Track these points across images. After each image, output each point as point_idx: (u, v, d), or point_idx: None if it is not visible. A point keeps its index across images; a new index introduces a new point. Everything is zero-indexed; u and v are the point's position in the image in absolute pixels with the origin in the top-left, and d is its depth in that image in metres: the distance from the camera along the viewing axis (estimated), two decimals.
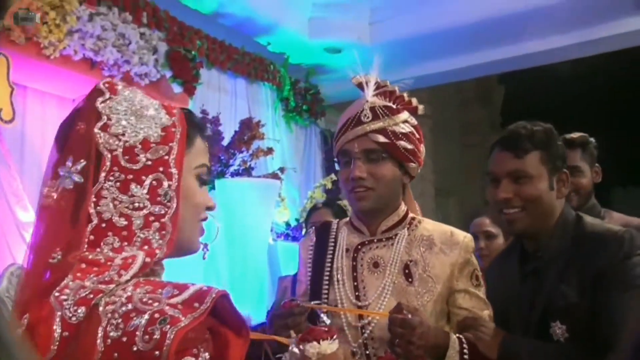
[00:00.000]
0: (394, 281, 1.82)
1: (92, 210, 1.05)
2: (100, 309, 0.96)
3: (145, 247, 1.06)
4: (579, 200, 2.65)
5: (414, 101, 1.93)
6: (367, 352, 1.79)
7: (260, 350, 1.64)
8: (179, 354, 0.91)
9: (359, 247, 1.91)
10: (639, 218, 2.66)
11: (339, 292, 1.86)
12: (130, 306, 0.95)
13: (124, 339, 0.92)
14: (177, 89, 4.12)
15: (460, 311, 1.84)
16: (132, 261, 1.02)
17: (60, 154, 1.10)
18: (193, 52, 4.33)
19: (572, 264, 1.84)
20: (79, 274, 1.01)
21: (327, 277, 1.90)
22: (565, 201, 1.98)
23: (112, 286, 0.99)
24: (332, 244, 1.96)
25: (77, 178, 1.07)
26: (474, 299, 1.85)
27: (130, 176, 1.07)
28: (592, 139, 2.82)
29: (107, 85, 1.13)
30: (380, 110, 1.83)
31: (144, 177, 1.08)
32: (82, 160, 1.07)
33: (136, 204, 1.07)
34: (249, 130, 4.36)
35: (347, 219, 2.04)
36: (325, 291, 1.87)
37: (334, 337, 1.48)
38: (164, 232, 1.07)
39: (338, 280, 1.87)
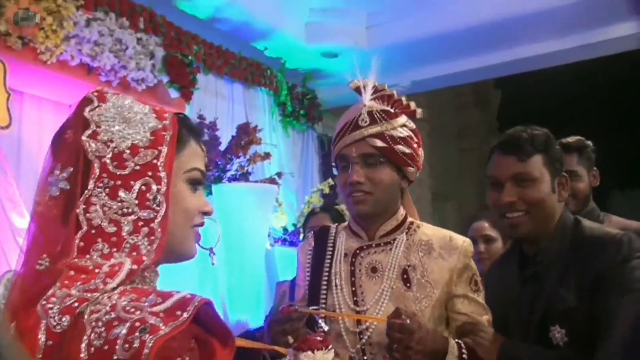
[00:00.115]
0: (392, 286, 1.82)
1: (81, 217, 1.05)
2: (85, 317, 0.96)
3: (134, 253, 1.05)
4: (577, 204, 2.65)
5: (412, 105, 1.93)
6: (365, 357, 1.78)
7: (257, 357, 1.63)
8: None
9: (357, 251, 1.90)
10: (637, 221, 2.66)
11: (337, 297, 1.85)
12: (113, 314, 0.95)
13: (106, 347, 0.92)
14: (174, 94, 4.12)
15: (459, 316, 1.83)
16: (118, 269, 1.02)
17: (51, 163, 1.11)
18: (190, 57, 4.33)
19: (571, 268, 1.84)
20: (66, 282, 1.01)
21: (325, 282, 1.89)
22: (564, 205, 1.98)
23: (97, 294, 0.98)
24: (331, 249, 1.95)
25: (63, 185, 1.07)
26: (472, 304, 1.84)
27: (119, 182, 1.07)
28: (589, 143, 2.82)
29: (96, 94, 1.14)
30: (378, 115, 1.82)
31: (132, 182, 1.07)
32: (69, 168, 1.08)
33: (125, 210, 1.06)
34: (246, 135, 4.35)
35: (346, 223, 2.03)
36: (324, 296, 1.87)
37: (329, 347, 1.47)
38: (152, 237, 1.07)
39: (336, 285, 1.87)
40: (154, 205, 1.08)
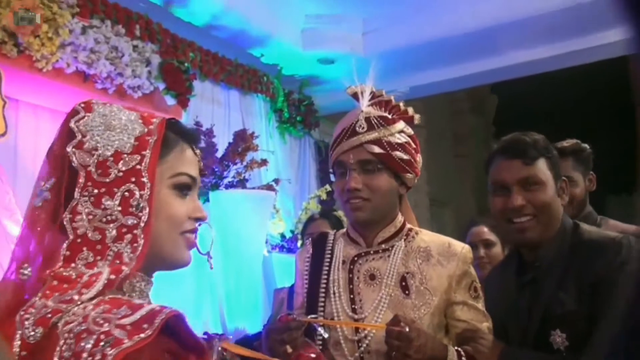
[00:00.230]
0: (390, 294, 1.80)
1: (68, 226, 1.06)
2: (59, 328, 0.96)
3: (117, 261, 1.04)
4: (573, 210, 2.63)
5: (410, 110, 1.92)
6: None
7: None
8: None
9: (355, 258, 1.89)
10: (634, 225, 2.65)
11: (335, 305, 1.83)
12: (84, 326, 0.94)
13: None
14: (170, 101, 4.11)
15: (458, 323, 1.82)
16: (95, 279, 1.01)
17: (39, 175, 1.13)
18: (186, 64, 4.32)
19: (570, 272, 1.83)
20: (47, 292, 1.01)
21: (323, 290, 1.88)
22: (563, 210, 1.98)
23: (71, 305, 0.98)
24: (329, 256, 1.94)
25: (45, 196, 1.09)
26: (472, 311, 1.83)
27: (103, 189, 1.07)
28: (585, 146, 2.79)
29: (83, 105, 1.14)
30: (376, 121, 1.81)
31: (115, 189, 1.07)
32: (52, 179, 1.09)
33: (109, 217, 1.06)
34: (242, 141, 4.34)
35: (344, 230, 2.02)
36: (322, 303, 1.85)
37: None
38: (135, 244, 1.06)
39: (334, 293, 1.85)
40: (137, 212, 1.07)
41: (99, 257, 1.05)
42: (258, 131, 4.66)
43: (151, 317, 0.94)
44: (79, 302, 0.98)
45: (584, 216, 2.60)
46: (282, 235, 4.99)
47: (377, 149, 1.79)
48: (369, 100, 1.86)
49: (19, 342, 0.97)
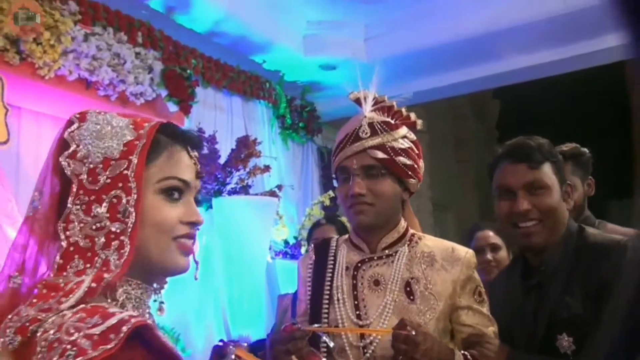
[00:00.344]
0: (395, 299, 1.79)
1: (62, 235, 1.06)
2: (37, 337, 0.96)
3: (104, 268, 1.04)
4: (571, 214, 2.62)
5: (413, 116, 1.92)
6: None
7: None
8: None
9: (359, 264, 1.88)
10: (632, 229, 2.63)
11: (340, 311, 1.82)
12: (57, 335, 0.94)
13: None
14: (173, 107, 4.11)
15: (464, 328, 1.81)
16: (76, 287, 1.01)
17: (35, 185, 1.14)
18: (188, 71, 4.32)
19: (576, 276, 1.83)
20: (35, 300, 1.01)
21: (327, 296, 1.87)
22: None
23: (50, 314, 0.98)
24: (332, 262, 1.93)
25: (35, 205, 1.10)
26: (477, 315, 1.82)
27: (93, 197, 1.07)
28: (585, 150, 2.78)
29: (78, 115, 1.14)
30: (379, 126, 1.81)
31: (104, 196, 1.07)
32: (43, 189, 1.10)
33: (98, 224, 1.06)
34: (245, 148, 4.34)
35: (347, 236, 2.01)
36: (326, 310, 1.84)
37: None
38: (122, 250, 1.05)
39: (338, 299, 1.84)
40: (124, 218, 1.06)
41: (88, 265, 1.05)
42: (260, 137, 4.66)
43: (118, 326, 0.93)
44: (58, 311, 0.98)
45: (582, 220, 2.58)
46: (286, 242, 4.99)
47: (380, 154, 1.78)
48: (372, 106, 1.86)
49: (0, 350, 0.97)
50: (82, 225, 1.06)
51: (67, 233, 1.06)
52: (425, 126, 2.00)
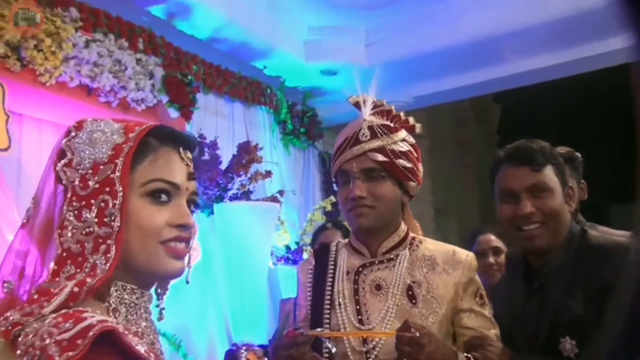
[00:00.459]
0: (397, 303, 1.79)
1: (57, 241, 1.07)
2: (19, 340, 0.97)
3: (92, 272, 1.04)
4: None
5: (411, 120, 1.92)
6: None
7: None
8: None
9: (360, 269, 1.87)
10: (625, 231, 2.62)
11: (341, 316, 1.82)
12: (32, 340, 0.95)
13: None
14: (174, 113, 4.11)
15: (466, 331, 1.80)
16: (59, 292, 1.01)
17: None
18: (189, 77, 4.33)
19: (579, 278, 1.82)
20: (26, 305, 1.02)
21: (328, 301, 1.86)
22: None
23: (31, 319, 0.99)
24: (332, 267, 1.93)
25: (29, 213, 1.13)
26: (479, 318, 1.81)
27: (83, 202, 1.08)
28: (577, 154, 2.78)
29: (75, 124, 1.15)
30: (379, 129, 1.81)
31: (93, 201, 1.08)
32: (43, 197, 1.12)
33: (87, 229, 1.07)
34: (247, 153, 4.34)
35: (346, 240, 2.01)
36: (327, 315, 1.84)
37: None
38: (108, 254, 1.05)
39: (340, 304, 1.84)
40: (110, 222, 1.06)
41: (78, 270, 1.05)
42: (262, 143, 4.66)
43: (86, 332, 0.93)
44: (39, 315, 0.99)
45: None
46: (287, 247, 4.98)
47: (380, 157, 1.78)
48: (371, 110, 1.86)
49: None
50: (74, 231, 1.07)
51: (61, 239, 1.07)
52: (426, 130, 2.01)
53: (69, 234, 1.07)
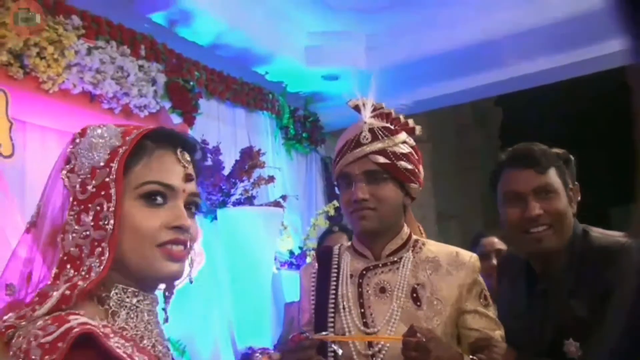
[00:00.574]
0: (402, 306, 1.79)
1: (60, 246, 1.09)
2: (12, 342, 0.98)
3: (87, 275, 1.05)
4: None
5: (411, 122, 1.93)
6: None
7: None
8: None
9: (364, 272, 1.87)
10: (619, 232, 2.61)
11: (346, 320, 1.81)
12: (20, 342, 0.96)
13: None
14: (176, 119, 4.13)
15: (471, 332, 1.80)
16: (51, 295, 1.03)
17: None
18: (192, 83, 4.35)
19: (582, 280, 1.82)
20: (26, 308, 1.04)
21: (332, 305, 1.86)
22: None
23: (23, 321, 1.00)
24: (335, 270, 1.92)
25: (32, 219, 1.15)
26: (484, 319, 1.81)
27: (82, 206, 1.09)
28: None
29: (80, 131, 1.17)
30: (380, 132, 1.82)
31: (90, 205, 1.09)
32: (48, 204, 1.14)
33: (85, 233, 1.08)
34: (249, 159, 4.35)
35: (349, 244, 2.01)
36: (331, 319, 1.83)
37: None
38: (102, 257, 1.06)
39: (344, 308, 1.83)
40: (105, 225, 1.07)
41: (76, 273, 1.06)
42: (264, 148, 4.67)
43: (65, 334, 0.94)
44: (31, 318, 1.00)
45: None
46: (291, 252, 4.98)
47: (382, 159, 1.78)
48: (371, 113, 1.87)
49: None
50: (74, 234, 1.08)
51: (63, 243, 1.09)
52: (428, 135, 2.01)
53: (70, 238, 1.08)
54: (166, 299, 1.20)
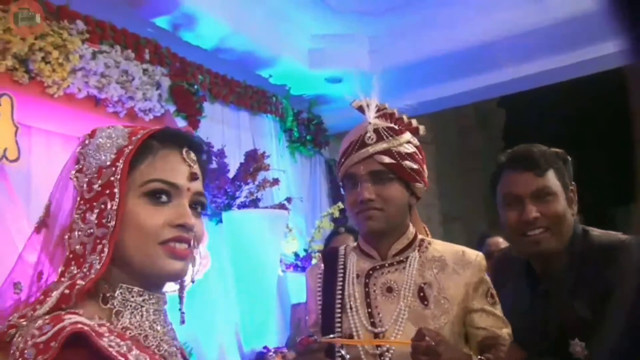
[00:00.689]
0: (409, 305, 1.78)
1: (66, 244, 1.10)
2: (13, 341, 0.99)
3: (87, 273, 1.06)
4: None
5: (414, 122, 1.93)
6: None
7: None
8: None
9: (370, 272, 1.87)
10: (619, 233, 2.60)
11: (353, 320, 1.81)
12: (19, 342, 0.97)
13: None
14: (181, 123, 4.14)
15: (478, 331, 1.79)
16: (51, 294, 1.03)
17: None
18: (196, 87, 4.36)
19: (584, 279, 1.81)
20: (30, 307, 1.05)
21: (339, 305, 1.85)
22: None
23: (24, 321, 1.01)
24: (342, 271, 1.92)
25: (41, 218, 1.16)
26: (491, 317, 1.81)
27: (87, 205, 1.10)
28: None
29: (89, 133, 1.18)
30: (384, 132, 1.82)
31: (95, 204, 1.09)
32: (57, 205, 1.15)
33: (89, 231, 1.08)
34: (254, 161, 4.36)
35: (355, 244, 2.00)
36: (338, 319, 1.83)
37: None
38: (102, 254, 1.06)
39: (351, 308, 1.83)
40: (107, 223, 1.07)
41: (78, 271, 1.07)
42: (269, 151, 4.68)
43: (58, 334, 0.94)
44: (32, 317, 1.01)
45: None
46: (296, 254, 4.99)
47: (387, 159, 1.79)
48: (375, 113, 1.87)
49: None
50: (79, 233, 1.09)
51: (70, 241, 1.10)
52: (431, 137, 2.02)
53: (76, 236, 1.09)
54: (180, 299, 1.20)
